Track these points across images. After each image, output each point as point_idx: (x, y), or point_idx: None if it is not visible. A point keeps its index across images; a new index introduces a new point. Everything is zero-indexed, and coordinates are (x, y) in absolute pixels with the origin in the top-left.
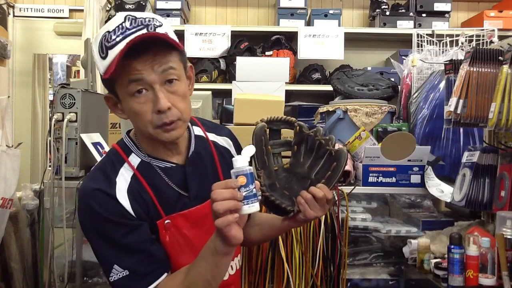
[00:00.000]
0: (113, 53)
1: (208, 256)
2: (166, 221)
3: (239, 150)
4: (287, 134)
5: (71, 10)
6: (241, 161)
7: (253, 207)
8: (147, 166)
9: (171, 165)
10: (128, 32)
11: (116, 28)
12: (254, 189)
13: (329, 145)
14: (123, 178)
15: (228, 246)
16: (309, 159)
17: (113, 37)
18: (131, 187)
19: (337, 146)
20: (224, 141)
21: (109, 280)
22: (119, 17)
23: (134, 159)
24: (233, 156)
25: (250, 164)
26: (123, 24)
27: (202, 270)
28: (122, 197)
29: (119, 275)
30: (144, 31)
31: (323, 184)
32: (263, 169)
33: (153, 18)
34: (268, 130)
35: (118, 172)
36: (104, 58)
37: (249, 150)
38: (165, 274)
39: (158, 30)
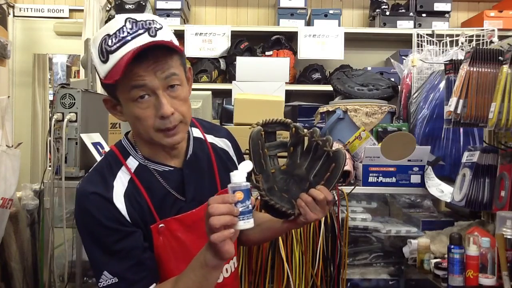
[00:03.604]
0: (115, 57)
1: (197, 269)
2: (160, 225)
3: (237, 150)
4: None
5: (71, 10)
6: (239, 177)
7: (248, 223)
8: (144, 170)
9: (168, 168)
10: (130, 36)
11: (117, 32)
12: (250, 205)
13: (327, 146)
14: (121, 182)
15: (219, 260)
16: (306, 160)
17: (114, 41)
18: (127, 191)
19: (338, 146)
20: (222, 143)
21: (98, 286)
22: (120, 20)
23: (132, 162)
24: (232, 158)
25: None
26: (124, 27)
27: (190, 282)
28: (119, 201)
29: (108, 282)
30: (146, 35)
31: (323, 186)
32: (261, 173)
33: (153, 21)
34: (263, 133)
35: (116, 175)
36: (104, 62)
37: (247, 165)
38: (154, 285)
39: (159, 33)
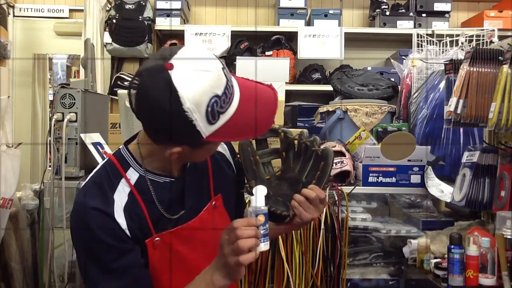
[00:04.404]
0: (227, 115)
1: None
2: (156, 239)
3: (233, 153)
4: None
5: (71, 10)
6: (259, 201)
7: (267, 245)
8: (144, 182)
9: (170, 179)
10: (233, 87)
11: (226, 90)
12: (268, 228)
13: (315, 146)
14: (121, 195)
15: (228, 281)
16: (299, 163)
17: (226, 100)
18: (127, 205)
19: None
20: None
21: None
22: (219, 73)
23: (133, 175)
24: (228, 160)
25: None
26: (227, 82)
27: None
28: (119, 216)
29: None
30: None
31: (314, 185)
32: (254, 179)
33: None
34: (254, 140)
35: (116, 188)
36: (213, 123)
37: (262, 190)
38: None
39: None
